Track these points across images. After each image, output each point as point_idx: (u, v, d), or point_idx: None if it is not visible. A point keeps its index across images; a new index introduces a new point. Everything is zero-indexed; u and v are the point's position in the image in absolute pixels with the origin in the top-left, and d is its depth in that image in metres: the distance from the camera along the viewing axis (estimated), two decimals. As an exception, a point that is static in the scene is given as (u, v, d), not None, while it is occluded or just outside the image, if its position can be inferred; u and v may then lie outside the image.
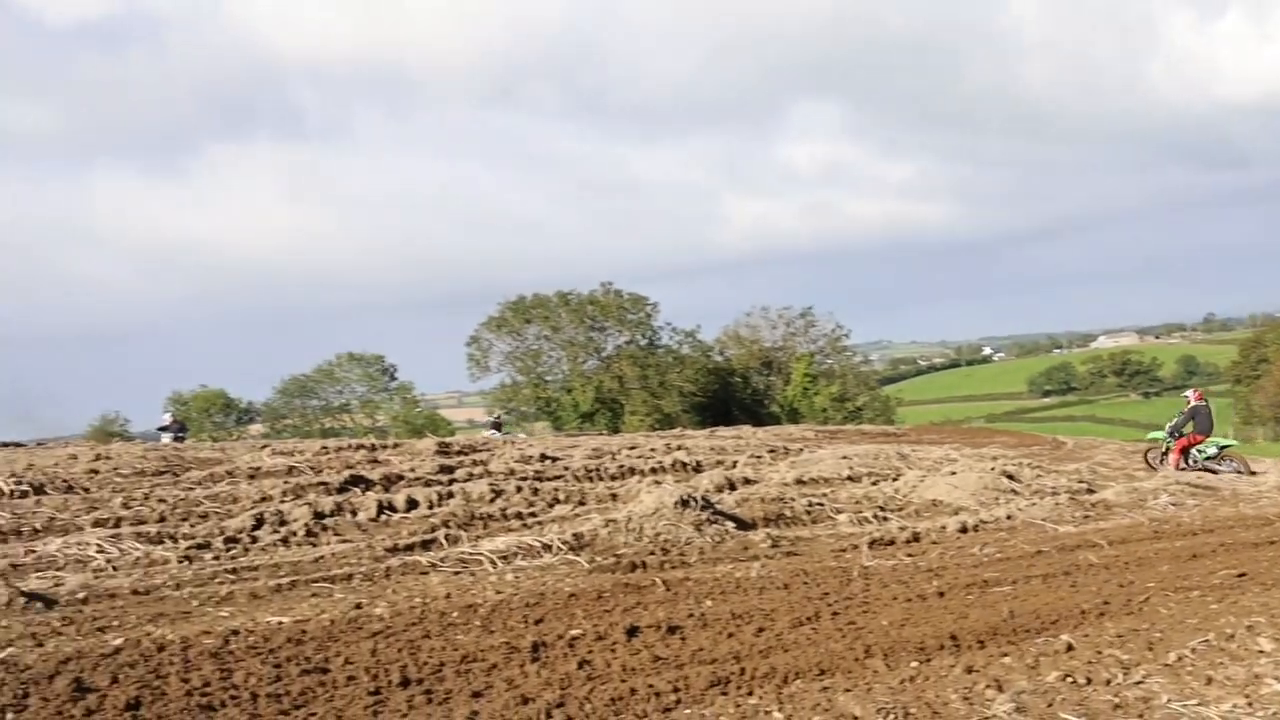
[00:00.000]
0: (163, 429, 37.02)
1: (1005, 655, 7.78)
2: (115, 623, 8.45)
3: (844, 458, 19.98)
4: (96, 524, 13.01)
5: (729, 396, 64.73)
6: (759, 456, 21.51)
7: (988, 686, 6.96)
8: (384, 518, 13.39)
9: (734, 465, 19.37)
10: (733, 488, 15.87)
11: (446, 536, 11.97)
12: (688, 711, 6.58)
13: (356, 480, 15.94)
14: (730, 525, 12.64)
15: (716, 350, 67.96)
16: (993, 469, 17.89)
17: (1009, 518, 14.37)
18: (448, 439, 25.77)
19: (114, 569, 10.69)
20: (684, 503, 12.67)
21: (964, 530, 13.48)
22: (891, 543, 12.52)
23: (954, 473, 17.32)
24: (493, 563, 10.80)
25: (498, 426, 40.59)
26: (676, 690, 6.88)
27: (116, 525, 12.92)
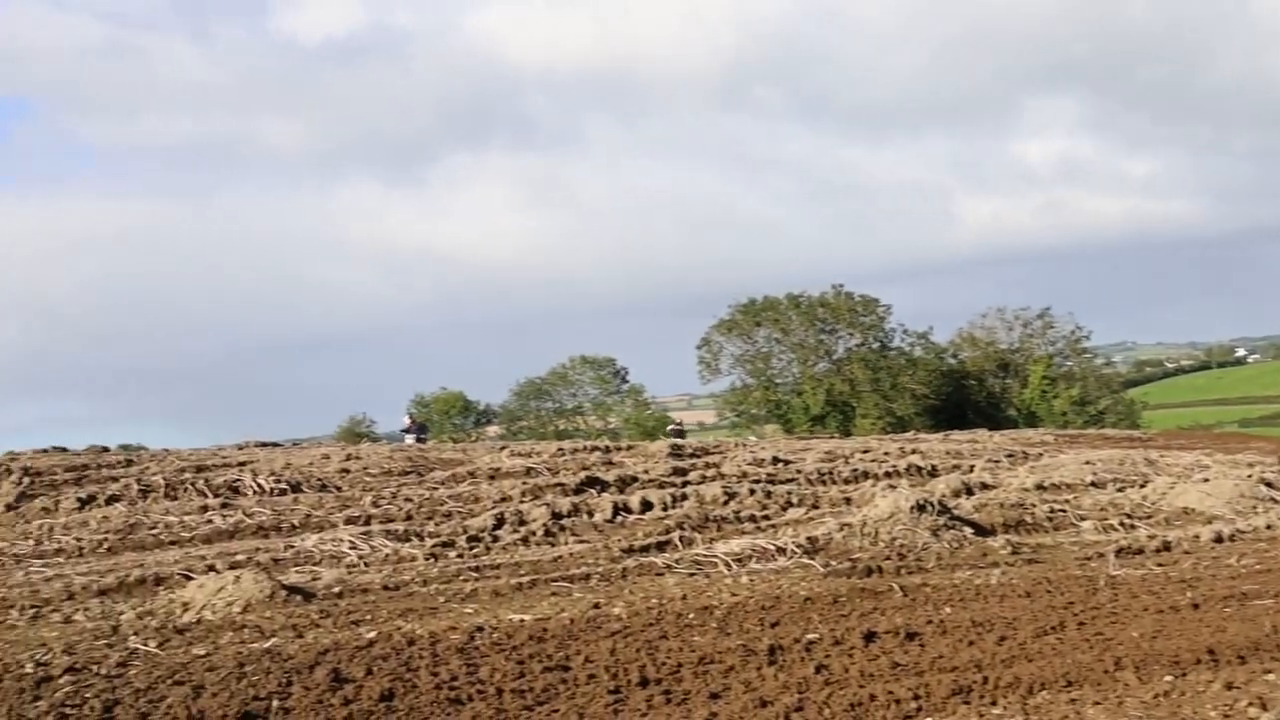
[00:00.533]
0: (406, 430, 38.41)
1: (1269, 672, 7.38)
2: (368, 616, 8.82)
3: (1087, 463, 19.28)
4: (349, 521, 13.63)
5: (963, 399, 63.26)
6: (996, 461, 20.98)
7: (1250, 704, 6.62)
8: (619, 519, 13.60)
9: (970, 470, 18.94)
10: (970, 493, 15.51)
11: (681, 538, 12.07)
12: (929, 720, 6.47)
13: (592, 482, 16.24)
14: (968, 531, 12.36)
15: (950, 352, 66.47)
16: (1250, 476, 17.00)
17: (1269, 528, 13.62)
18: (680, 441, 25.96)
19: (365, 565, 11.16)
20: (920, 507, 12.45)
21: (1219, 540, 12.84)
22: (1140, 551, 12.03)
23: (1207, 479, 16.52)
24: (727, 565, 10.83)
25: (680, 434, 40.96)
26: (917, 698, 6.77)
27: (367, 523, 13.50)
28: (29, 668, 7.17)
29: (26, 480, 17.02)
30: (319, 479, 17.49)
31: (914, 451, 22.49)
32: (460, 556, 11.61)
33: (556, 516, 13.34)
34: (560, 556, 11.42)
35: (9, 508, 15.30)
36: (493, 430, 72.18)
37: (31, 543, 12.79)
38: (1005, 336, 66.28)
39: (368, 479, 17.92)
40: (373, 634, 8.06)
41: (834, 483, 17.04)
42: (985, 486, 16.22)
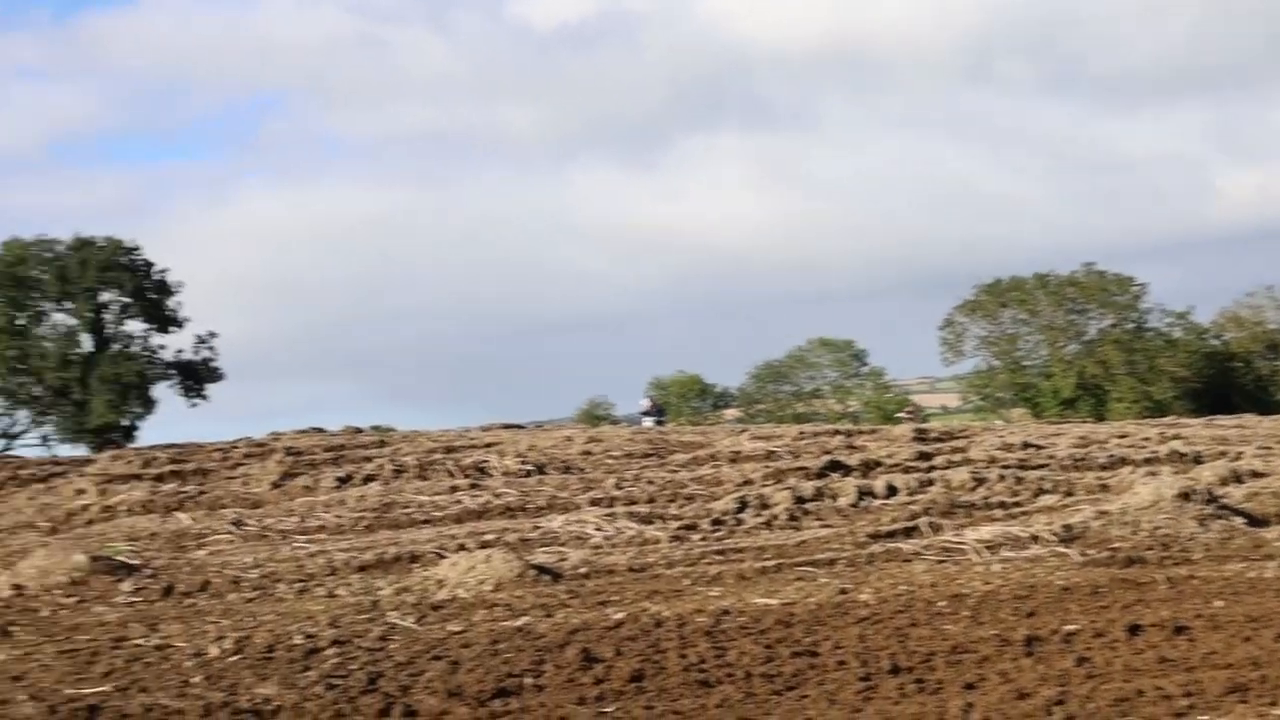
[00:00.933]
0: (645, 413, 38.89)
1: None
2: (615, 597, 8.89)
3: (1369, 449, 17.99)
4: (593, 503, 13.81)
5: (1228, 383, 60.18)
6: (1268, 448, 19.79)
7: None
8: (864, 503, 13.37)
9: (1238, 457, 17.90)
10: (1239, 481, 14.62)
11: (929, 524, 11.78)
12: (1203, 718, 6.10)
13: (835, 466, 16.02)
14: (1239, 521, 11.65)
15: (1213, 333, 63.38)
16: None
17: None
18: (924, 425, 25.48)
19: (611, 546, 11.28)
20: (1184, 495, 11.82)
21: None
22: None
23: None
24: (977, 552, 10.51)
25: (913, 416, 40.20)
26: (1188, 694, 6.39)
27: (610, 505, 13.65)
28: (298, 639, 7.50)
29: (289, 459, 17.89)
30: (562, 461, 17.81)
31: (1175, 437, 21.41)
32: (704, 539, 11.62)
33: (799, 500, 13.22)
34: (804, 541, 11.30)
35: (274, 485, 16.11)
36: (730, 413, 72.42)
37: (295, 519, 13.42)
38: (1275, 316, 62.77)
39: (609, 461, 18.14)
40: (620, 615, 8.11)
41: (1089, 469, 16.35)
42: (1256, 474, 15.27)
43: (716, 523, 12.30)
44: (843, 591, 8.90)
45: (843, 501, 13.38)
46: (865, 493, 13.71)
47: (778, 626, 7.80)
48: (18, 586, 9.52)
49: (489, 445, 19.92)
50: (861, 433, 22.26)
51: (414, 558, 10.56)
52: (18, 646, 7.77)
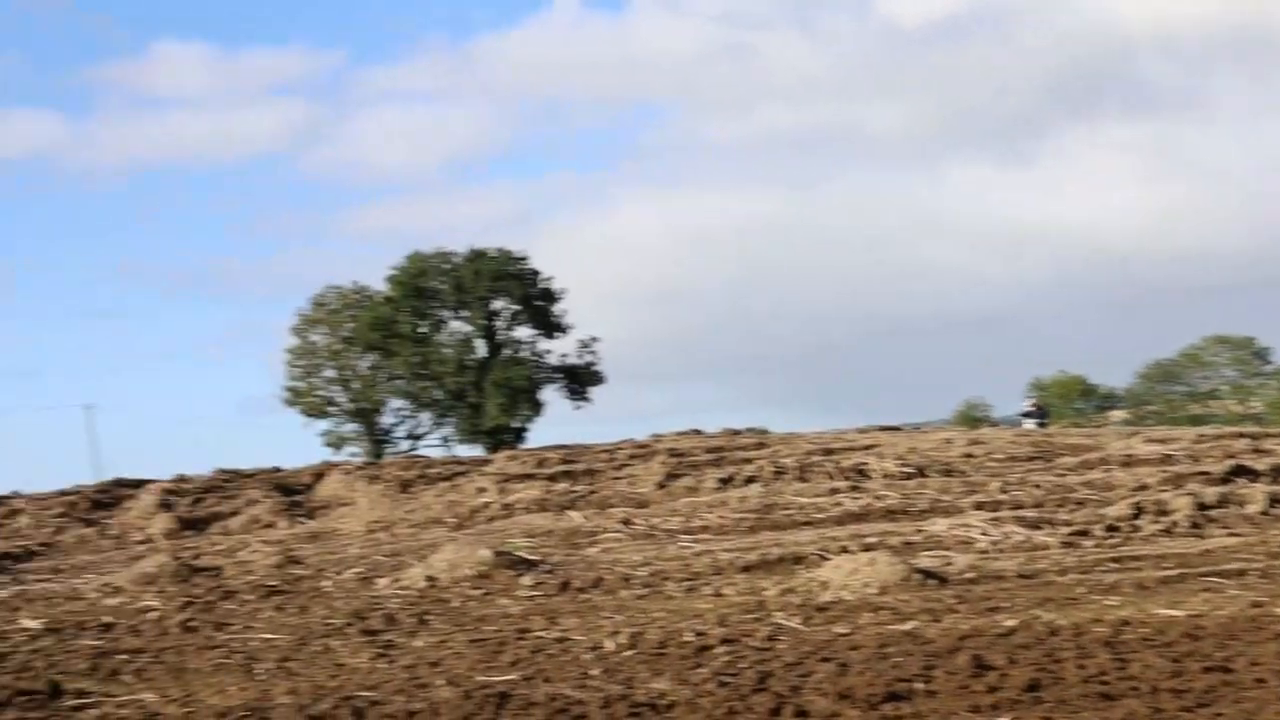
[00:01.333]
0: (1026, 415, 37.65)
1: None
2: (1004, 604, 8.65)
3: None
4: (977, 507, 13.48)
5: None
6: None
7: None
8: (1275, 511, 12.47)
9: None
10: None
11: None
12: None
13: (1240, 470, 14.98)
14: None
15: None
16: None
17: None
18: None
19: (998, 551, 10.99)
20: None
21: None
22: None
23: None
24: None
25: None
26: None
27: (996, 509, 13.29)
28: (689, 636, 7.72)
29: (672, 460, 18.40)
30: (943, 463, 17.48)
31: None
32: (1097, 546, 11.16)
33: (1202, 507, 12.48)
34: (1209, 550, 10.67)
35: (659, 486, 16.61)
36: (1116, 415, 69.04)
37: (680, 519, 13.81)
38: None
39: (992, 464, 17.66)
40: (1012, 622, 7.89)
41: None
42: None
43: (1111, 529, 11.78)
44: (1256, 604, 8.33)
45: (1251, 509, 12.55)
46: (1277, 500, 12.79)
47: (1184, 639, 7.37)
48: (431, 578, 10.26)
49: (867, 447, 19.79)
50: (1269, 435, 20.71)
51: (797, 559, 10.65)
52: (433, 635, 8.38)
